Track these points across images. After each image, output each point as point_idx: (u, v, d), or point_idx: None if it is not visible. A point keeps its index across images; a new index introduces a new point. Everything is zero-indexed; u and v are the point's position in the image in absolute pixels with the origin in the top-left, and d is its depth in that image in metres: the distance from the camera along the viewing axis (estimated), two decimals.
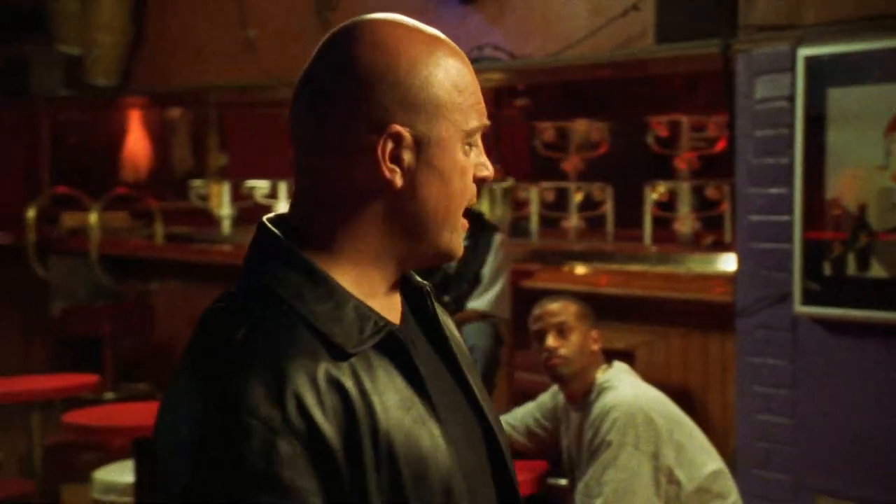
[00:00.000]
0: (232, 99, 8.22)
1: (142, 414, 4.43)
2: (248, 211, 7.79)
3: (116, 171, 9.46)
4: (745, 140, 4.51)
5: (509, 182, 7.64)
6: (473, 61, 5.83)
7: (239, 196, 7.66)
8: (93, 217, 7.42)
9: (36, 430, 4.80)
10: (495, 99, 7.74)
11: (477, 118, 1.28)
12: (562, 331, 3.47)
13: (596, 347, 3.52)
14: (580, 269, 6.02)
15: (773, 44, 4.43)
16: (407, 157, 1.22)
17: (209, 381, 1.11)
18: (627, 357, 5.12)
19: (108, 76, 7.80)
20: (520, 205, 7.58)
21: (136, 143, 9.66)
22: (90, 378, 5.31)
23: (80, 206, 7.71)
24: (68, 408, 4.95)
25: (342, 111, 1.22)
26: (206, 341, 1.18)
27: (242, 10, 7.04)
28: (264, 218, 1.28)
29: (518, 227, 7.50)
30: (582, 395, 3.46)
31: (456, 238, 1.29)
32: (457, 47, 1.29)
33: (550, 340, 3.47)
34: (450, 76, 1.25)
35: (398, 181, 1.23)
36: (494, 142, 8.29)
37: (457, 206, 1.27)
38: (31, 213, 7.66)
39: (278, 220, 1.29)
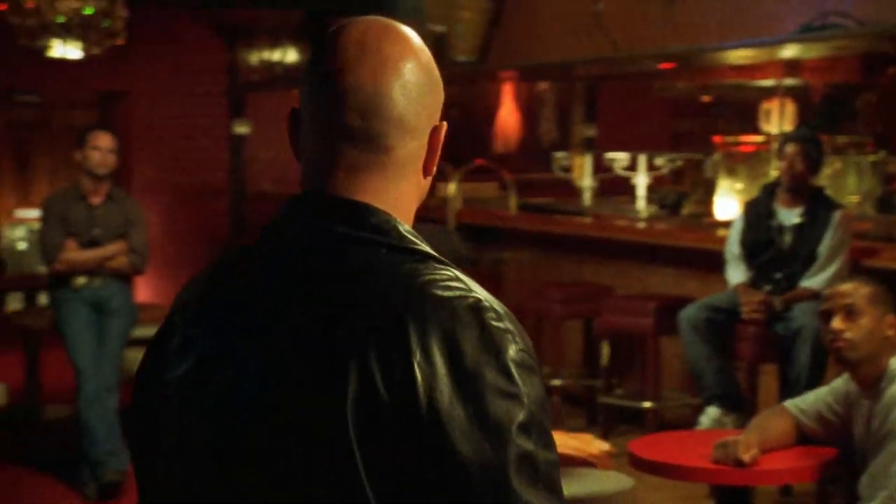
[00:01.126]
0: (587, 73, 8.28)
1: None
2: (608, 183, 7.85)
3: (486, 143, 9.81)
4: None
5: (879, 155, 7.18)
6: (818, 28, 5.57)
7: (601, 168, 7.74)
8: (451, 187, 7.76)
9: None
10: (864, 66, 7.30)
11: None
12: (850, 313, 3.26)
13: (891, 333, 3.27)
14: None
15: None
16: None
17: (495, 334, 1.25)
18: None
19: (469, 52, 8.12)
20: (889, 179, 7.12)
21: (508, 116, 9.97)
22: None
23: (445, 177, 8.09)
24: None
25: (425, 103, 1.38)
26: (456, 305, 1.26)
27: None
28: (324, 195, 1.34)
29: (886, 203, 7.05)
30: (872, 381, 3.25)
31: None
32: None
33: (836, 322, 3.27)
34: None
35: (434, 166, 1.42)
36: (870, 111, 7.82)
37: None
38: None
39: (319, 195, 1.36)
